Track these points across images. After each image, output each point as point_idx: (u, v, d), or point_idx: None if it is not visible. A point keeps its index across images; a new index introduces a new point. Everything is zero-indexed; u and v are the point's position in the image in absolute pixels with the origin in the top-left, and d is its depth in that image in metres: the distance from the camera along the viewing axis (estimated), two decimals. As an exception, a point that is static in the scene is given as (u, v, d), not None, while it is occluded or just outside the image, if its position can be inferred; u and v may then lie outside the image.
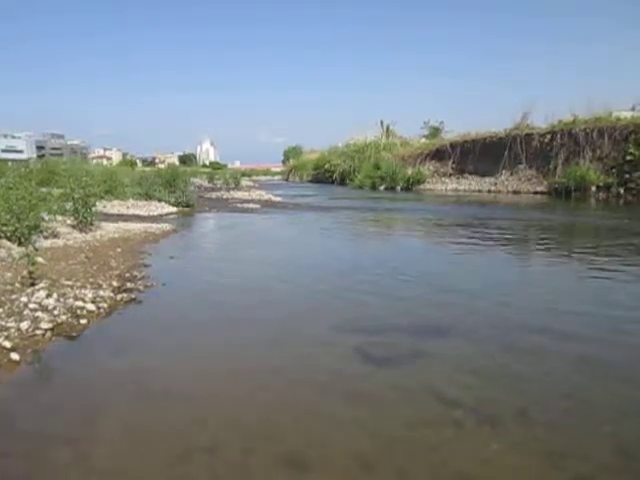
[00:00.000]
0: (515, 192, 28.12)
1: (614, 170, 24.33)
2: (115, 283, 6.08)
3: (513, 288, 6.57)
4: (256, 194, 26.41)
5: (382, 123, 48.12)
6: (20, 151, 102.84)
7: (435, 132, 45.31)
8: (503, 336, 4.59)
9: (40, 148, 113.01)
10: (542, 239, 11.22)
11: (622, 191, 23.70)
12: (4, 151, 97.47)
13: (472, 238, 11.08)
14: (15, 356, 3.77)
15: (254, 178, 62.93)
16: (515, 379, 3.66)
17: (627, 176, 23.61)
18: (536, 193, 27.02)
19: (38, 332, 4.26)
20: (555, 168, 26.68)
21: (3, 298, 4.89)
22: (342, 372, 3.79)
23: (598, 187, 24.52)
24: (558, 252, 9.43)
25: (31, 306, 4.72)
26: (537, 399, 3.35)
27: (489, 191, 29.52)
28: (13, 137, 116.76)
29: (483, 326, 4.87)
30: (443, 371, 3.79)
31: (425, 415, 3.13)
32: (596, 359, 4.03)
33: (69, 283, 5.70)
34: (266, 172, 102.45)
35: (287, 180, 62.88)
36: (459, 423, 3.01)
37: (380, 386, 3.56)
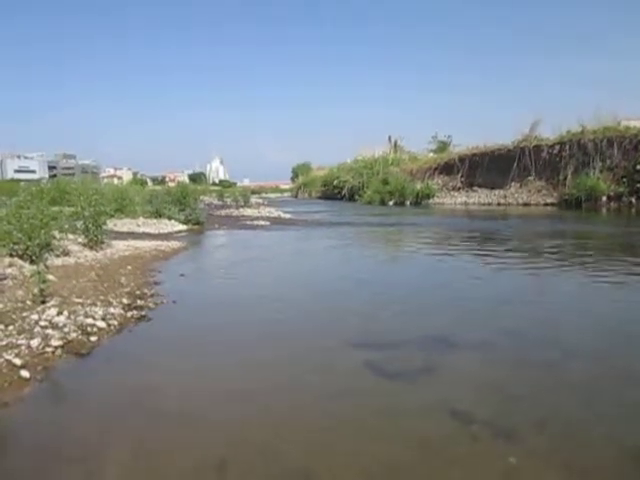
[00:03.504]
0: (525, 204, 27.99)
1: (625, 179, 24.18)
2: (125, 300, 6.07)
3: (528, 300, 6.48)
4: (265, 211, 26.50)
5: (390, 138, 48.33)
6: (32, 171, 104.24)
7: (443, 146, 45.35)
8: (518, 349, 4.52)
9: (52, 168, 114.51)
10: (556, 250, 11.10)
11: (634, 200, 23.52)
12: (17, 171, 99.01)
13: (485, 251, 11.00)
14: (25, 373, 3.76)
15: (263, 195, 63.23)
16: (530, 391, 3.58)
17: (638, 185, 23.45)
18: (546, 205, 26.88)
19: (48, 349, 4.25)
20: (565, 179, 26.58)
21: (14, 316, 4.90)
22: (354, 387, 3.74)
23: (609, 197, 24.37)
24: (575, 264, 9.31)
25: (42, 323, 4.72)
26: (553, 411, 3.27)
27: (499, 204, 29.41)
28: (26, 158, 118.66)
29: (497, 338, 4.79)
30: (457, 384, 3.72)
31: (440, 429, 3.06)
32: (613, 372, 3.95)
33: (80, 301, 5.71)
34: (275, 189, 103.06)
35: (296, 197, 63.14)
36: (475, 437, 2.94)
37: (393, 401, 3.50)
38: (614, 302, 6.22)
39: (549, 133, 29.53)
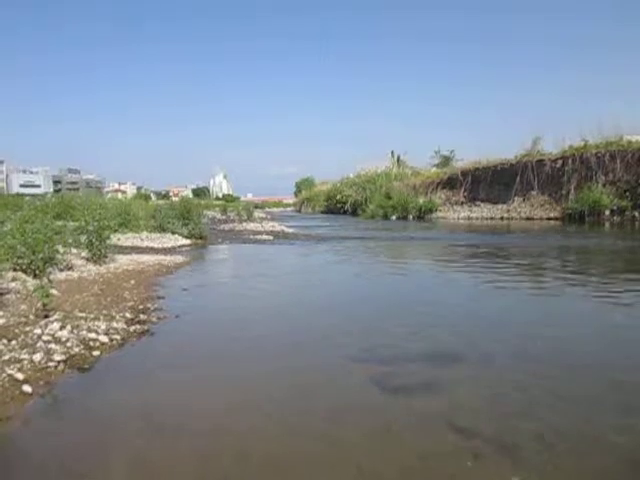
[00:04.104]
0: (528, 218, 28.00)
1: (628, 193, 24.19)
2: (128, 315, 6.08)
3: (533, 317, 6.47)
4: (268, 226, 26.54)
5: (393, 153, 48.55)
6: (37, 186, 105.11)
7: (446, 161, 45.55)
8: (522, 365, 4.49)
9: (57, 183, 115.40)
10: (561, 266, 11.08)
11: (637, 214, 23.50)
12: (22, 186, 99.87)
13: (489, 266, 10.98)
14: (27, 388, 3.76)
15: (267, 210, 63.43)
16: (534, 408, 3.56)
17: (642, 199, 23.46)
18: (549, 219, 26.89)
19: (51, 364, 4.25)
20: (568, 193, 26.62)
21: (17, 330, 4.91)
22: (354, 402, 3.72)
23: (612, 211, 24.37)
24: (581, 278, 9.29)
25: (45, 338, 4.72)
26: (558, 428, 3.24)
27: (502, 218, 29.43)
28: (31, 172, 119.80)
29: (501, 354, 4.77)
30: (458, 400, 3.70)
31: (442, 445, 3.04)
32: (619, 389, 3.92)
33: (82, 315, 5.71)
34: (278, 204, 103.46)
35: (299, 211, 63.32)
36: (477, 453, 2.92)
37: (395, 415, 3.48)
38: (623, 320, 6.19)
39: (551, 147, 29.70)
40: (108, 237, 10.71)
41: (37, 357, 4.28)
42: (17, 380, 3.85)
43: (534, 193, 28.78)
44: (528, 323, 5.99)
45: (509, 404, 3.62)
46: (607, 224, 23.06)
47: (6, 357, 4.22)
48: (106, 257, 10.43)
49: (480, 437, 3.09)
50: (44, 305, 5.51)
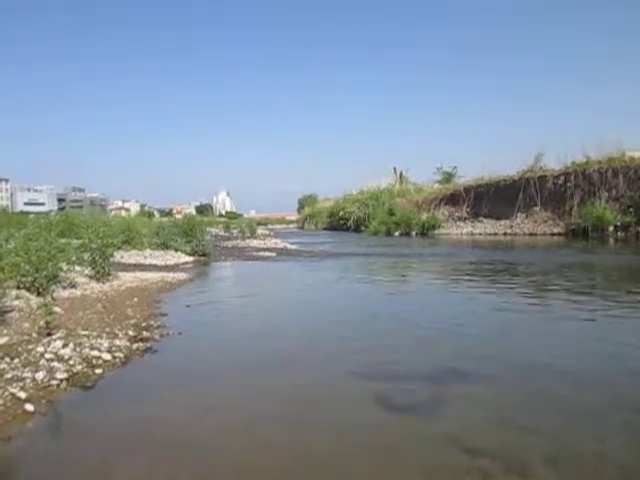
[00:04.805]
0: (531, 234, 27.97)
1: (631, 209, 24.17)
2: (131, 332, 6.06)
3: (539, 335, 6.42)
4: (271, 242, 26.55)
5: (395, 170, 48.74)
6: (42, 204, 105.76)
7: (448, 177, 45.63)
8: (528, 382, 4.45)
9: (61, 201, 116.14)
10: (569, 279, 11.02)
11: (641, 230, 23.46)
12: (27, 204, 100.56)
13: (494, 283, 10.94)
14: (29, 407, 3.73)
15: (269, 227, 63.51)
16: (542, 425, 3.51)
17: (645, 215, 23.43)
18: (553, 235, 26.85)
19: (53, 382, 4.23)
20: (571, 209, 26.61)
21: (20, 348, 4.89)
22: (359, 419, 3.68)
23: (616, 227, 24.31)
24: (586, 294, 9.23)
25: (47, 356, 4.71)
26: (566, 446, 3.19)
27: (505, 234, 29.40)
28: (36, 190, 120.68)
29: (507, 372, 4.74)
30: (466, 418, 3.66)
31: (449, 464, 2.99)
32: (627, 407, 3.87)
33: (85, 333, 5.70)
34: (281, 220, 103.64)
35: (302, 228, 63.32)
36: (485, 472, 2.87)
37: (400, 434, 3.43)
38: (631, 339, 6.15)
39: (554, 163, 29.76)
40: (111, 254, 10.73)
41: (40, 375, 4.26)
42: (19, 399, 3.82)
43: (537, 209, 28.78)
44: (533, 341, 5.95)
45: (515, 422, 3.58)
46: (611, 240, 23.00)
47: (9, 375, 4.20)
48: (109, 274, 10.43)
49: (488, 456, 3.05)
50: (47, 323, 5.50)
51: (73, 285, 8.99)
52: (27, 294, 7.35)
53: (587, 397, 4.04)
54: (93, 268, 10.18)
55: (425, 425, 3.58)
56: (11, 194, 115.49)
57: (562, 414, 3.70)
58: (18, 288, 7.50)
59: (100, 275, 10.13)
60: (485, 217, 32.16)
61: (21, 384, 4.07)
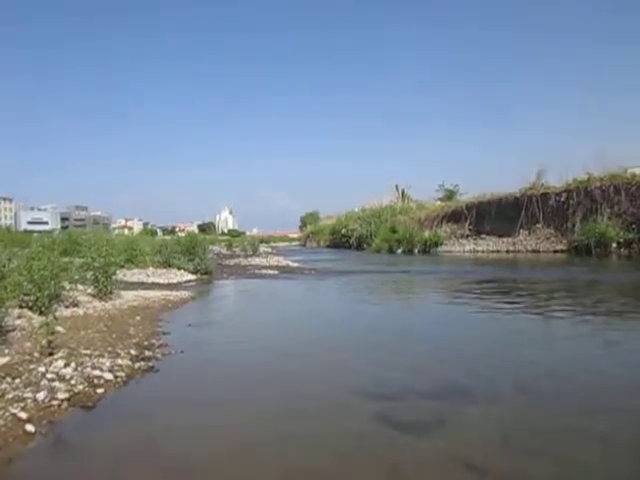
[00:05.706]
0: (534, 251, 27.91)
1: (634, 226, 24.13)
2: (133, 351, 6.03)
3: (545, 355, 6.36)
4: (274, 260, 26.56)
5: (397, 187, 48.93)
6: (45, 223, 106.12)
7: (450, 194, 45.76)
8: (533, 401, 4.41)
9: (64, 220, 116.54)
10: (574, 296, 10.98)
11: (644, 247, 23.38)
12: (30, 223, 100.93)
13: (497, 301, 10.89)
14: (30, 427, 3.70)
15: (272, 244, 63.55)
16: (546, 445, 3.47)
17: (648, 232, 23.38)
18: (556, 252, 26.78)
19: (54, 402, 4.20)
20: (573, 226, 26.58)
21: (21, 368, 4.87)
22: (363, 439, 3.64)
23: (619, 243, 24.25)
24: (594, 312, 9.18)
25: (49, 376, 4.68)
26: (571, 465, 3.15)
27: (507, 251, 29.34)
28: (39, 209, 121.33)
29: (512, 390, 4.69)
30: (471, 437, 3.62)
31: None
32: (631, 427, 3.83)
33: (87, 352, 5.67)
34: (284, 238, 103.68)
35: (304, 246, 63.44)
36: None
37: (405, 453, 3.39)
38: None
39: (555, 181, 29.82)
40: (114, 273, 10.73)
41: (41, 395, 4.23)
42: (20, 419, 3.80)
43: (539, 226, 28.77)
44: (539, 358, 5.90)
45: (520, 441, 3.54)
46: (614, 256, 22.93)
47: (10, 396, 4.18)
48: (112, 293, 10.42)
49: (493, 476, 3.01)
50: (49, 342, 5.48)
51: (75, 304, 8.98)
52: (29, 313, 7.34)
53: (592, 417, 3.99)
54: (95, 287, 10.18)
55: (429, 443, 3.54)
56: (15, 213, 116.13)
57: (567, 434, 3.66)
58: (20, 307, 7.49)
59: (102, 294, 10.13)
60: (487, 234, 32.13)
61: (22, 404, 4.05)
